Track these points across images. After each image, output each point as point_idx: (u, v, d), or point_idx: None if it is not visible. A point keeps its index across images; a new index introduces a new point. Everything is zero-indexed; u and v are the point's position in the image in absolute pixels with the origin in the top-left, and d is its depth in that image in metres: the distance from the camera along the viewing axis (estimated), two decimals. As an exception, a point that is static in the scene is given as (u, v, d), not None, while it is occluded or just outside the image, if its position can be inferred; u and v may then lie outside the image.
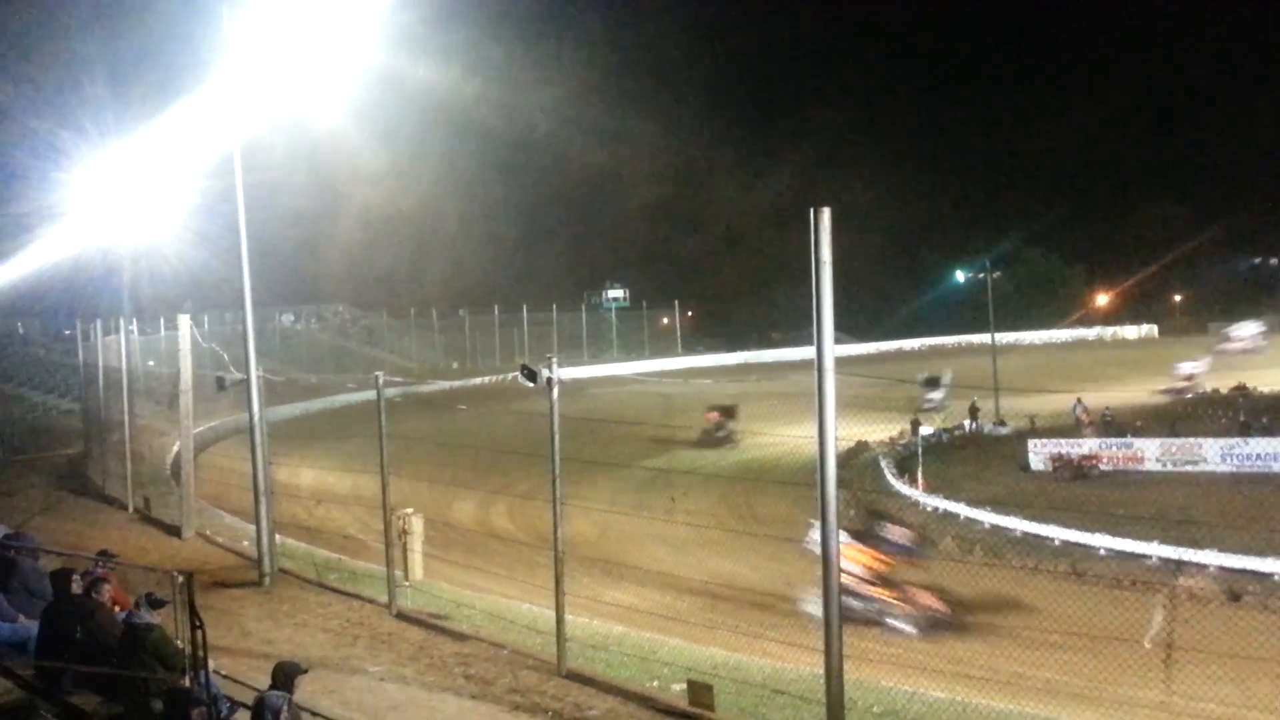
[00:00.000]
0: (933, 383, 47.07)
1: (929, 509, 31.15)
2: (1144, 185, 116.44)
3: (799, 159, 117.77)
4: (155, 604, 10.10)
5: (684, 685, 11.57)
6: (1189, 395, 49.70)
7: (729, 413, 44.88)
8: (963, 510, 29.92)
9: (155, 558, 18.91)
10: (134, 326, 27.16)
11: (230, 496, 23.72)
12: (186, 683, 9.53)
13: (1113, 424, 41.60)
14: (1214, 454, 35.48)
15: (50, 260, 30.41)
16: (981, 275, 62.79)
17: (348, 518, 26.03)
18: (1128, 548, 25.01)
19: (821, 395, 8.48)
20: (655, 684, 12.14)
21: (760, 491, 31.40)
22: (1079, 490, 32.99)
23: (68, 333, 48.65)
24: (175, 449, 26.72)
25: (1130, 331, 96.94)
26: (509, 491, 30.27)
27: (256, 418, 18.14)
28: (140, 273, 28.96)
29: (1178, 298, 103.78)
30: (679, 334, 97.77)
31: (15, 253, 30.06)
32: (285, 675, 9.21)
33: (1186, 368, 53.04)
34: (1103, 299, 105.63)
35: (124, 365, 25.49)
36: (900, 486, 34.25)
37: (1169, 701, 15.00)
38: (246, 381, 18.21)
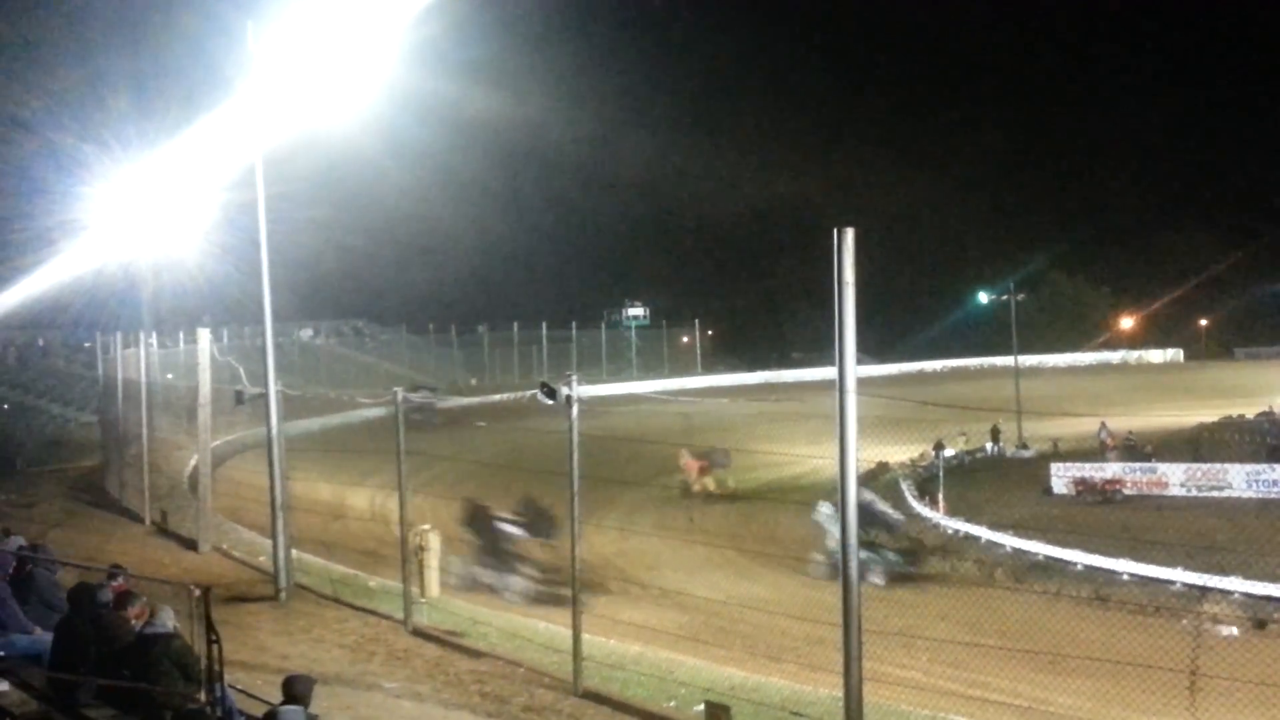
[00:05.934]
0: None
1: (950, 531, 30.92)
2: (1171, 208, 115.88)
3: (823, 178, 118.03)
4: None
5: (702, 706, 11.44)
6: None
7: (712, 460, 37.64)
8: (984, 533, 29.67)
9: (172, 571, 18.88)
10: (153, 340, 27.22)
11: (247, 510, 23.67)
12: (203, 695, 9.44)
13: (1136, 448, 41.23)
14: (1239, 479, 35.07)
15: (72, 273, 30.53)
16: (1005, 297, 62.45)
17: (365, 533, 25.96)
18: (1151, 573, 24.75)
19: (843, 416, 8.40)
20: (673, 704, 12.03)
21: (779, 511, 31.26)
22: (1102, 514, 32.69)
23: (88, 345, 48.78)
24: (193, 462, 26.69)
25: (1156, 356, 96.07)
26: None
27: (274, 432, 18.09)
28: (161, 286, 29.02)
29: (1204, 322, 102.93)
30: (699, 353, 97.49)
31: (37, 266, 30.19)
32: (304, 689, 9.07)
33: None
34: (1128, 322, 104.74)
35: (143, 378, 25.52)
36: (921, 508, 34.00)
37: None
38: (265, 395, 18.20)
